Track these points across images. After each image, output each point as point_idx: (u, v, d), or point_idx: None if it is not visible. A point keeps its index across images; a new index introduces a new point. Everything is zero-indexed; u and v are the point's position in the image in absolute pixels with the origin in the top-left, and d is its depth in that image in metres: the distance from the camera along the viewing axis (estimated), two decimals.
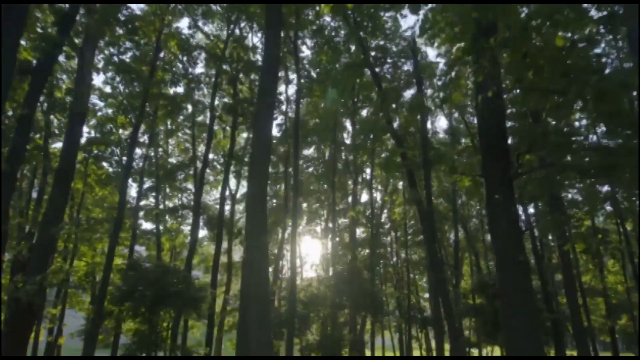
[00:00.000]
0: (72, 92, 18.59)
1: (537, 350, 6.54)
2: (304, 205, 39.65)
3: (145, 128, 25.60)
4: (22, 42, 14.90)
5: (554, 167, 7.50)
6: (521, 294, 6.73)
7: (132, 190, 28.72)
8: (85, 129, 27.07)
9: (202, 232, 40.80)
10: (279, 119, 26.87)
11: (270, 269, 31.66)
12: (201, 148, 29.76)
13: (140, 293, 14.05)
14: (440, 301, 15.90)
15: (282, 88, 27.53)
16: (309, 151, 37.07)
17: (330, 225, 33.74)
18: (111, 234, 15.91)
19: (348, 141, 33.98)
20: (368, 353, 37.65)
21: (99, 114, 24.20)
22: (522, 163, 7.47)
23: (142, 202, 30.35)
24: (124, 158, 20.82)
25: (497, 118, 7.33)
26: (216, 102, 26.77)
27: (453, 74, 8.30)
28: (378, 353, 35.10)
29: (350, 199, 35.79)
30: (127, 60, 18.33)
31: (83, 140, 24.99)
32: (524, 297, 6.75)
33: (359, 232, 33.60)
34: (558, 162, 7.35)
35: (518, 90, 7.81)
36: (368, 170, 36.97)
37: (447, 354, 29.99)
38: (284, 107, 26.39)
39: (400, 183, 37.18)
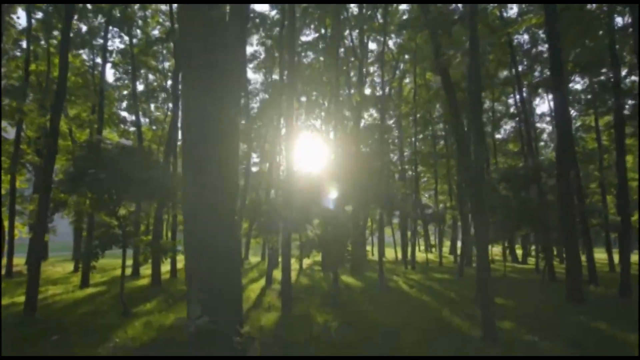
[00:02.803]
0: None
1: None
2: (303, 98, 35.32)
3: None
4: None
5: None
6: None
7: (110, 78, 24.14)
8: None
9: None
10: None
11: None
12: None
13: (91, 177, 10.44)
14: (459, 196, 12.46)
15: None
16: (309, 37, 31.70)
17: (332, 118, 29.90)
18: (53, 103, 11.91)
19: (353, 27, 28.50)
20: (369, 249, 35.85)
21: None
22: None
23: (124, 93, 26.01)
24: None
25: None
26: None
27: None
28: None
29: (352, 91, 31.39)
30: None
31: None
32: None
33: (363, 123, 29.67)
34: None
35: None
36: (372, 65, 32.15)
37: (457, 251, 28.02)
38: None
39: (407, 76, 32.60)
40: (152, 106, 27.82)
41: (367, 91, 32.57)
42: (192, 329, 3.10)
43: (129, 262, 23.53)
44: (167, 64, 26.81)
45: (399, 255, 39.45)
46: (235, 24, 6.00)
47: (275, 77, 32.22)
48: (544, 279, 18.63)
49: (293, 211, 13.03)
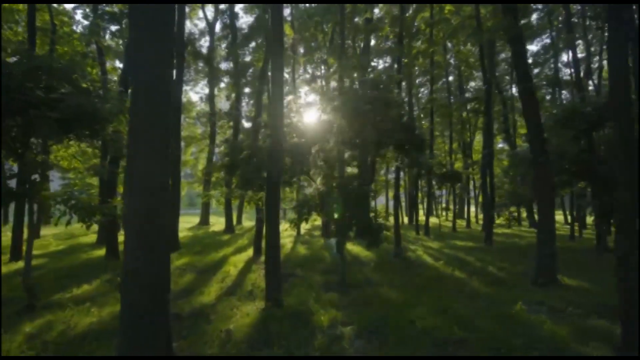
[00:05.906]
0: None
1: None
2: (301, 49, 30.32)
3: None
4: None
5: None
6: None
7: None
8: None
9: None
10: None
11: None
12: None
13: None
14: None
15: None
16: None
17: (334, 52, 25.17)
18: None
19: None
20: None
21: None
22: None
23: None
24: None
25: None
26: None
27: None
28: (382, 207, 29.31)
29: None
30: None
31: None
32: None
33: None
34: None
35: None
36: None
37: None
38: None
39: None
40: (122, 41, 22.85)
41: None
42: None
43: (94, 227, 19.34)
44: None
45: (406, 220, 35.58)
46: None
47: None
48: (599, 250, 14.60)
49: (282, 157, 8.74)
